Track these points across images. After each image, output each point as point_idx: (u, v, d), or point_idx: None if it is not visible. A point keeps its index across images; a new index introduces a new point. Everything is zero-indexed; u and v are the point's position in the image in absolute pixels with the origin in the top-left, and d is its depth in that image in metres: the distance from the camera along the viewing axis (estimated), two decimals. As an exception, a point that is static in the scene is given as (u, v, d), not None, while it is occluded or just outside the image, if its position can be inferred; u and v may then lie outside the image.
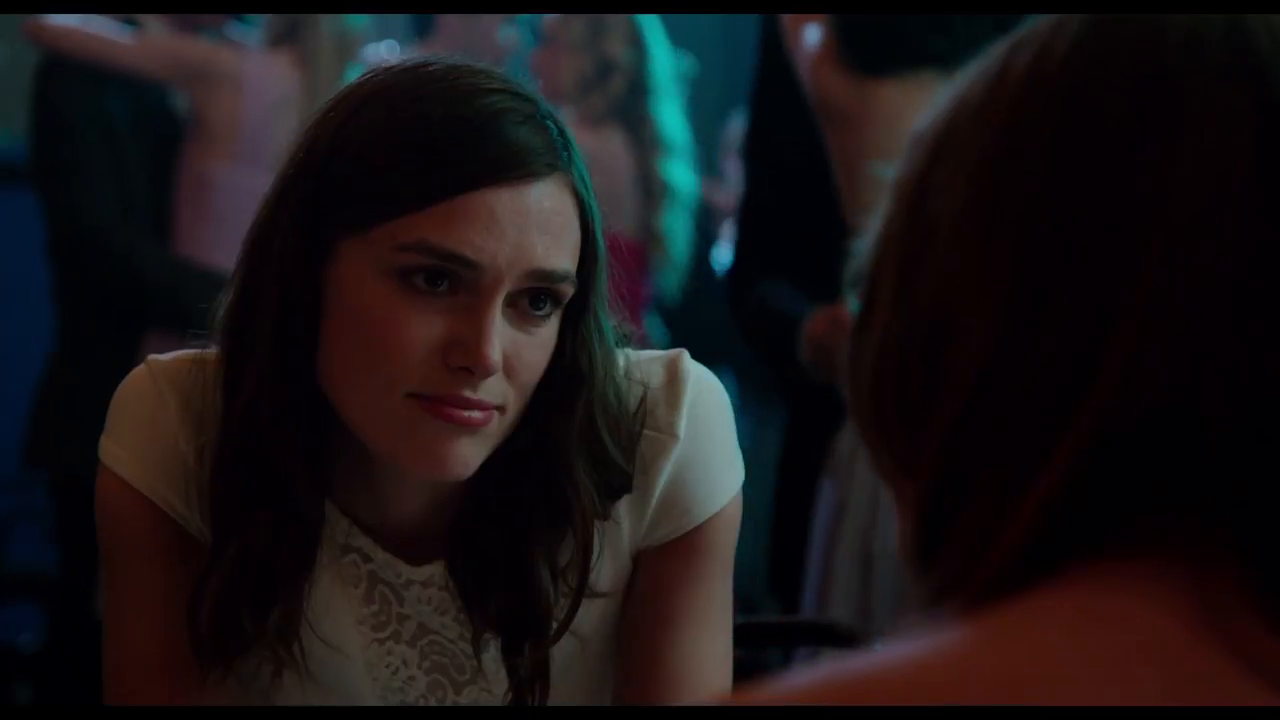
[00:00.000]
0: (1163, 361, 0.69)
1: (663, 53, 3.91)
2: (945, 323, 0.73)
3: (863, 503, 2.39)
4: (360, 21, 3.65)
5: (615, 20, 3.86)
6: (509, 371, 1.29)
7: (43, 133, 3.46)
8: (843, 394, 2.64)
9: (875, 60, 2.47)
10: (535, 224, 1.28)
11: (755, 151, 2.76)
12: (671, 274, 3.94)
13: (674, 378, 1.40)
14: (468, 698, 1.42)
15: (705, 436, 1.40)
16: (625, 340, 1.41)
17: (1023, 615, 0.69)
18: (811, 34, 2.54)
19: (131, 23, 3.50)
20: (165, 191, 3.51)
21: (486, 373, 1.27)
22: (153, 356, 1.40)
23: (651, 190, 3.85)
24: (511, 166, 1.27)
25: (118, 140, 3.42)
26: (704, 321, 4.07)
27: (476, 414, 1.28)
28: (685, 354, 1.42)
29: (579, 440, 1.34)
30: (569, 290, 1.31)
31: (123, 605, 1.39)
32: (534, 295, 1.29)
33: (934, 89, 2.41)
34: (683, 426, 1.38)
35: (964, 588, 0.71)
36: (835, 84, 2.50)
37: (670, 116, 3.90)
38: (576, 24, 3.88)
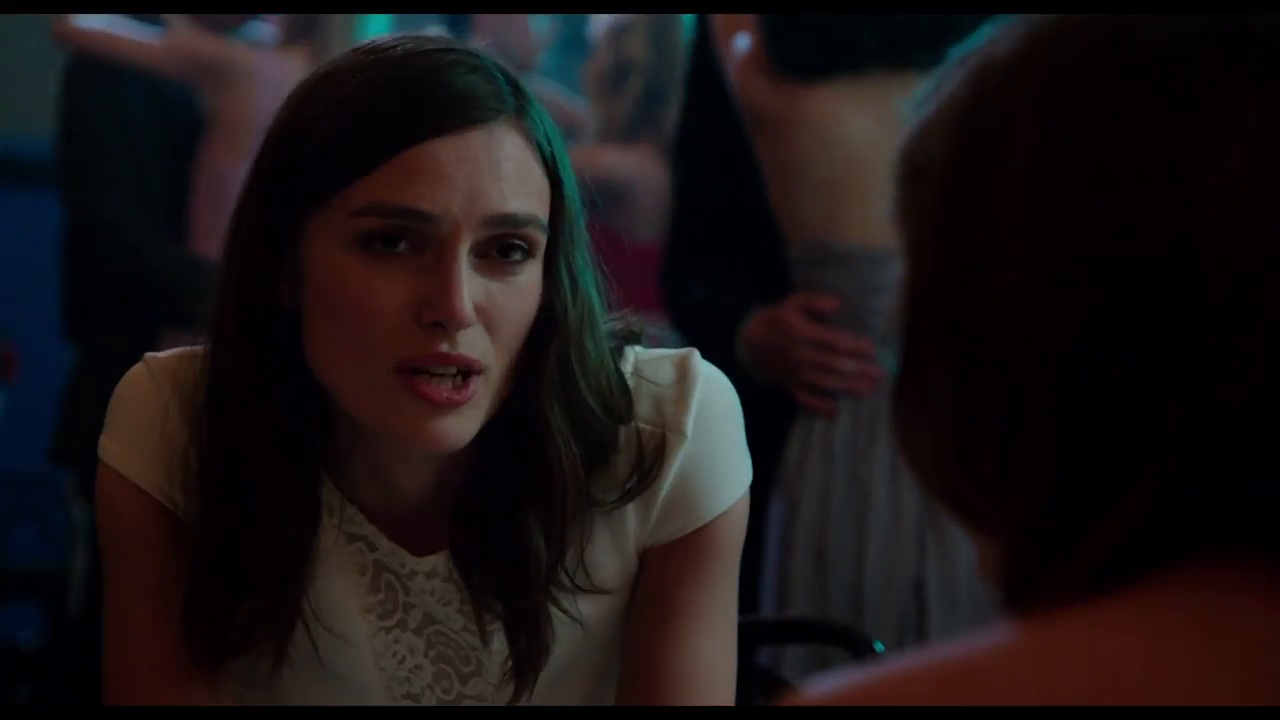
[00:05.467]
0: (1244, 367, 0.69)
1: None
2: (1015, 386, 0.71)
3: (813, 502, 2.40)
4: (379, 28, 3.65)
5: (640, 20, 3.83)
6: (488, 325, 1.28)
7: (63, 130, 3.55)
8: (788, 396, 2.62)
9: (806, 65, 2.43)
10: (486, 170, 1.27)
11: (686, 152, 2.71)
12: None
13: (684, 376, 1.39)
14: (473, 689, 1.41)
15: (714, 435, 1.39)
16: (636, 337, 1.41)
17: (1123, 615, 0.68)
18: (741, 40, 2.50)
19: (158, 23, 3.57)
20: (186, 189, 3.56)
21: (458, 324, 1.26)
22: (150, 354, 1.41)
23: None
24: (452, 115, 1.27)
25: (135, 137, 3.49)
26: None
27: (460, 393, 1.27)
28: (695, 353, 1.41)
29: (553, 388, 1.32)
30: (538, 236, 1.30)
31: (124, 603, 1.38)
32: (502, 244, 1.29)
33: (872, 92, 2.39)
34: (691, 425, 1.37)
35: (1056, 597, 0.70)
36: (763, 91, 2.45)
37: None
38: (604, 24, 3.86)
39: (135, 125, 3.49)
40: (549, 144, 1.31)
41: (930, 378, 0.75)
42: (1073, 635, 0.67)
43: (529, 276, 1.30)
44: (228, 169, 3.50)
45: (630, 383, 1.38)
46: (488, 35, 3.73)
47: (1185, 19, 0.72)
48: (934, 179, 0.75)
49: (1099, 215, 0.70)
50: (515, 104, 1.30)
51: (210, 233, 3.50)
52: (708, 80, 2.59)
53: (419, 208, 1.26)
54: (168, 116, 3.55)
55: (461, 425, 1.29)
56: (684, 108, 2.74)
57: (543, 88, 3.56)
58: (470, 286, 1.26)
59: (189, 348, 1.39)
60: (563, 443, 1.33)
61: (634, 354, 1.40)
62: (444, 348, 1.26)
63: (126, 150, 3.46)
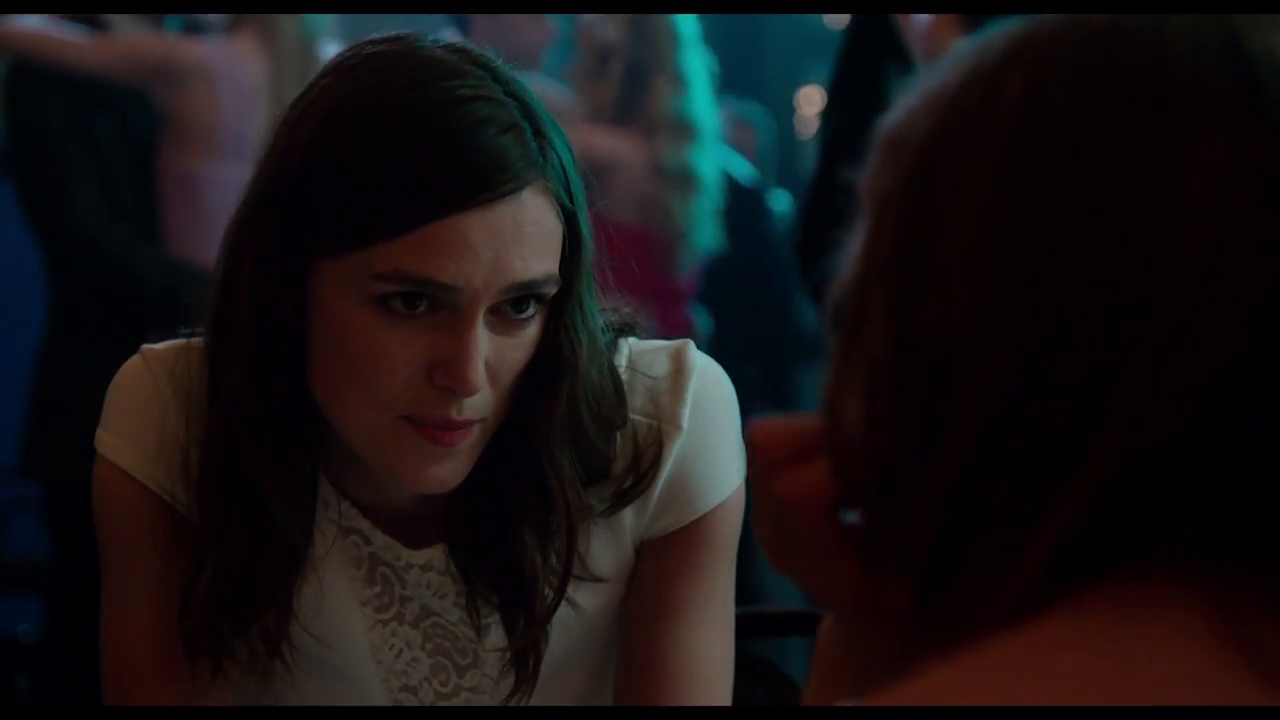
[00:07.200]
0: (1181, 393, 0.69)
1: (671, 35, 3.81)
2: (948, 360, 0.72)
3: None
4: (321, 21, 3.57)
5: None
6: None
7: (20, 145, 3.41)
8: None
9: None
10: (510, 240, 1.26)
11: (840, 109, 2.71)
12: (689, 262, 3.85)
13: (679, 368, 1.39)
14: (470, 681, 1.42)
15: (709, 428, 1.39)
16: (630, 329, 1.41)
17: (1040, 641, 0.68)
18: (922, 16, 2.54)
19: (98, 24, 3.41)
20: (153, 192, 3.45)
21: (470, 394, 1.27)
22: (146, 346, 1.41)
23: (669, 180, 3.74)
24: (483, 189, 1.25)
25: (97, 144, 3.35)
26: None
27: (461, 432, 1.29)
28: (690, 344, 1.41)
29: (562, 426, 1.33)
30: (552, 290, 1.30)
31: (123, 599, 1.39)
32: (516, 300, 1.29)
33: None
34: (686, 417, 1.38)
35: (977, 621, 0.70)
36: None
37: (696, 103, 3.78)
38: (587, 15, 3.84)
39: (94, 130, 3.35)
40: (568, 195, 1.30)
41: (873, 336, 0.75)
42: (1025, 663, 0.67)
43: (534, 328, 1.30)
44: (197, 170, 3.40)
45: (625, 376, 1.39)
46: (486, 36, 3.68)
47: (1184, 32, 0.72)
48: (911, 149, 0.75)
49: (1055, 217, 0.71)
50: (542, 163, 1.28)
51: (187, 237, 3.40)
52: (871, 33, 2.60)
53: (442, 280, 1.25)
54: (125, 116, 3.40)
55: (458, 467, 1.30)
56: (842, 62, 2.72)
57: (540, 85, 3.53)
58: (482, 347, 1.27)
59: (184, 340, 1.39)
60: (568, 481, 1.34)
61: (628, 346, 1.40)
62: (453, 413, 1.28)
63: (89, 158, 3.33)
